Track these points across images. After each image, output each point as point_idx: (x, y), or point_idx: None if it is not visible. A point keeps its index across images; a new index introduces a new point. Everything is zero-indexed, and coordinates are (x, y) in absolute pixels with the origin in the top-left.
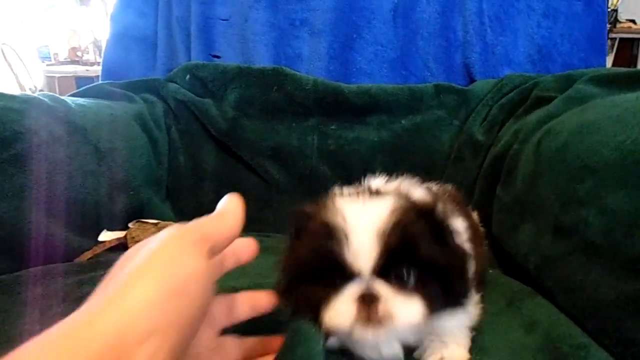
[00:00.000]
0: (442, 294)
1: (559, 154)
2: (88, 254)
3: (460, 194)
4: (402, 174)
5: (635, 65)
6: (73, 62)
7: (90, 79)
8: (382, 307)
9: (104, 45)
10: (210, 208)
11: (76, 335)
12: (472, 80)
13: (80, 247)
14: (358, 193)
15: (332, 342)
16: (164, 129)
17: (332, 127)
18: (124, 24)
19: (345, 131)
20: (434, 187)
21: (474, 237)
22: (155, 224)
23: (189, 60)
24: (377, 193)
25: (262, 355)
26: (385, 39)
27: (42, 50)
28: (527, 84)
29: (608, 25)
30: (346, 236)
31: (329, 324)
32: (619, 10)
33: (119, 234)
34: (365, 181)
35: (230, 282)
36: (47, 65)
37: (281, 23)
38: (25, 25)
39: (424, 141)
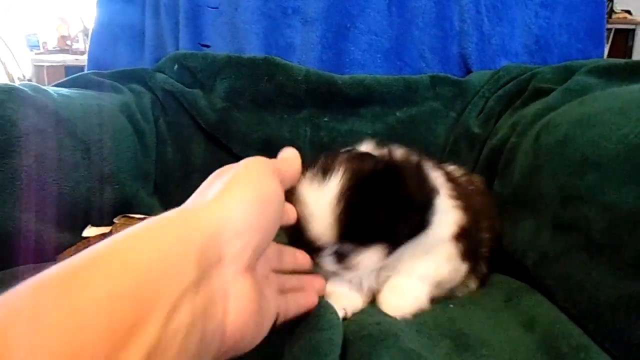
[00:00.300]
0: (399, 232)
1: (558, 148)
2: (70, 251)
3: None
4: None
5: (630, 57)
6: (62, 51)
7: (80, 68)
8: (348, 261)
9: None
10: None
11: (183, 223)
12: (468, 71)
13: (63, 243)
14: (316, 173)
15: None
16: (151, 120)
17: (325, 119)
18: (110, 12)
19: (339, 123)
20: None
21: (461, 194)
22: (142, 219)
23: (178, 49)
24: (328, 170)
25: (297, 290)
26: (379, 28)
27: (30, 39)
28: (525, 75)
29: None
30: (309, 223)
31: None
32: (615, 1)
33: (104, 229)
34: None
35: None
36: (36, 54)
37: (272, 11)
38: (13, 13)
39: (419, 133)
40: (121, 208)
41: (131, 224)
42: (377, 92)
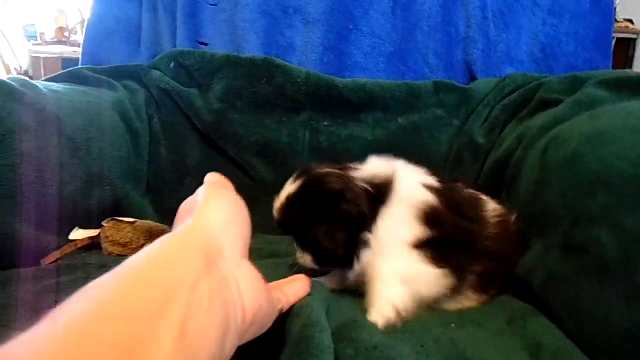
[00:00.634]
0: (324, 247)
1: (567, 165)
2: (57, 254)
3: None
4: None
5: (631, 67)
6: (60, 42)
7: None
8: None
9: None
10: None
11: (184, 233)
12: (472, 79)
13: (49, 247)
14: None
15: None
16: (145, 119)
17: (325, 123)
18: (106, 5)
19: (339, 128)
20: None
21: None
22: (131, 223)
23: (175, 46)
24: (302, 176)
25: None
26: (383, 31)
27: (28, 29)
28: (531, 85)
29: None
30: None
31: None
32: (617, 10)
33: (92, 232)
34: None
35: None
36: (33, 45)
37: (273, 10)
38: (11, 3)
39: (422, 141)
40: (111, 210)
41: (120, 228)
42: (379, 97)
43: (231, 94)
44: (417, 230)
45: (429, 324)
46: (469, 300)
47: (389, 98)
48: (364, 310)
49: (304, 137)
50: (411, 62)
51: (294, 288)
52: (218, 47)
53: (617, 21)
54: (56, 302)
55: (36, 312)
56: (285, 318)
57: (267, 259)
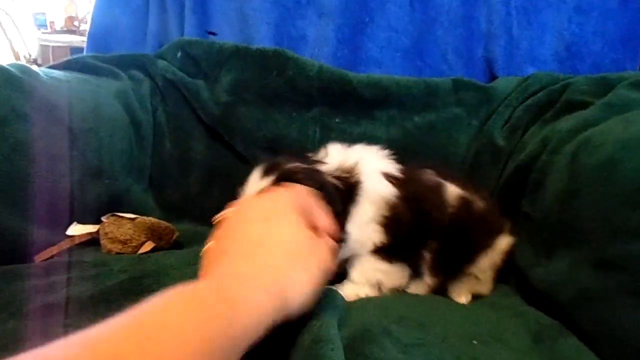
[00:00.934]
0: None
1: (602, 172)
2: (53, 250)
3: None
4: None
5: None
6: (69, 31)
7: None
8: None
9: None
10: (197, 201)
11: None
12: (492, 77)
13: (43, 242)
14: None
15: None
16: (149, 110)
17: (337, 120)
18: None
19: (351, 126)
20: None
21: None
22: (132, 219)
23: (182, 35)
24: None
25: None
26: (400, 25)
27: (38, 18)
28: (557, 85)
29: None
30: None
31: None
32: None
33: (91, 227)
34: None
35: None
36: (43, 33)
37: (286, 0)
38: None
39: (438, 142)
40: (111, 204)
41: (120, 224)
42: (395, 94)
43: (239, 86)
44: (377, 238)
45: (449, 338)
46: (430, 283)
47: (405, 95)
48: (376, 315)
49: (314, 133)
50: (429, 57)
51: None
52: (227, 37)
53: None
54: (43, 303)
55: (20, 315)
56: (292, 328)
57: None
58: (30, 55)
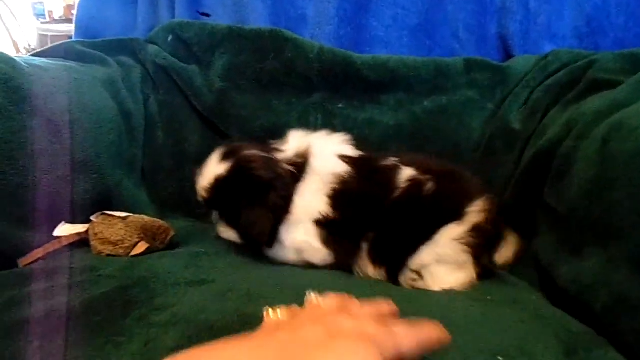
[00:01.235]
0: (244, 225)
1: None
2: (38, 253)
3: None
4: None
5: None
6: (68, 20)
7: None
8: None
9: None
10: (192, 195)
11: None
12: (508, 55)
13: (28, 244)
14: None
15: None
16: (140, 99)
17: (340, 105)
18: None
19: (355, 111)
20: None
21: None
22: (123, 218)
23: (174, 17)
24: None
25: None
26: (407, 1)
27: (37, 7)
28: (579, 63)
29: None
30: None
31: None
32: None
33: (80, 228)
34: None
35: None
36: (42, 22)
37: None
38: None
39: (449, 127)
40: (100, 201)
41: (110, 223)
42: (402, 76)
43: (234, 71)
44: (323, 208)
45: (470, 355)
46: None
47: (413, 77)
48: None
49: (316, 120)
50: (438, 36)
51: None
52: (221, 18)
53: None
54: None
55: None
56: None
57: None
58: (29, 46)
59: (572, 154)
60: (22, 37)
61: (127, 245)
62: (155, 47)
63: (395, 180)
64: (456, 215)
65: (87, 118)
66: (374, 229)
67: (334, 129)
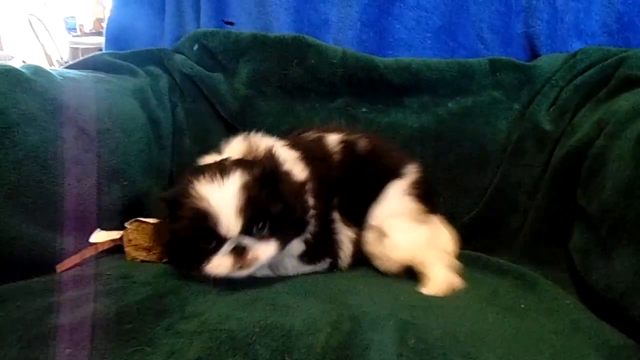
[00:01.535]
0: (288, 229)
1: None
2: (75, 259)
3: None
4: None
5: None
6: (98, 33)
7: None
8: (250, 254)
9: None
10: None
11: None
12: (535, 55)
13: (65, 250)
14: (211, 172)
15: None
16: (168, 107)
17: (363, 109)
18: None
19: (379, 115)
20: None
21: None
22: (156, 224)
23: (199, 27)
24: (225, 167)
25: None
26: (429, 2)
27: (68, 21)
28: (610, 60)
29: None
30: (216, 217)
31: (212, 272)
32: None
33: (115, 234)
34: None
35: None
36: (73, 36)
37: None
38: None
39: (475, 129)
40: (132, 207)
41: (143, 230)
42: (426, 79)
43: (258, 78)
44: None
45: None
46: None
47: (437, 79)
48: None
49: (340, 125)
50: (462, 37)
51: None
52: (245, 26)
53: None
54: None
55: (39, 338)
56: None
57: None
58: (62, 59)
59: (604, 154)
60: (55, 50)
61: (159, 250)
62: (182, 56)
63: (329, 146)
64: (397, 174)
65: (118, 127)
66: (337, 193)
67: None
